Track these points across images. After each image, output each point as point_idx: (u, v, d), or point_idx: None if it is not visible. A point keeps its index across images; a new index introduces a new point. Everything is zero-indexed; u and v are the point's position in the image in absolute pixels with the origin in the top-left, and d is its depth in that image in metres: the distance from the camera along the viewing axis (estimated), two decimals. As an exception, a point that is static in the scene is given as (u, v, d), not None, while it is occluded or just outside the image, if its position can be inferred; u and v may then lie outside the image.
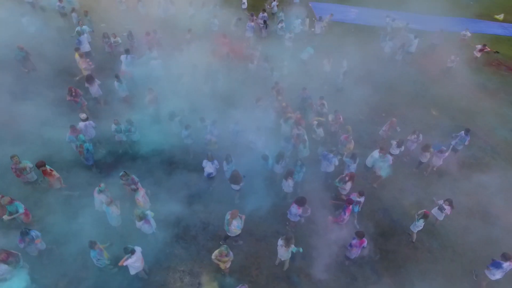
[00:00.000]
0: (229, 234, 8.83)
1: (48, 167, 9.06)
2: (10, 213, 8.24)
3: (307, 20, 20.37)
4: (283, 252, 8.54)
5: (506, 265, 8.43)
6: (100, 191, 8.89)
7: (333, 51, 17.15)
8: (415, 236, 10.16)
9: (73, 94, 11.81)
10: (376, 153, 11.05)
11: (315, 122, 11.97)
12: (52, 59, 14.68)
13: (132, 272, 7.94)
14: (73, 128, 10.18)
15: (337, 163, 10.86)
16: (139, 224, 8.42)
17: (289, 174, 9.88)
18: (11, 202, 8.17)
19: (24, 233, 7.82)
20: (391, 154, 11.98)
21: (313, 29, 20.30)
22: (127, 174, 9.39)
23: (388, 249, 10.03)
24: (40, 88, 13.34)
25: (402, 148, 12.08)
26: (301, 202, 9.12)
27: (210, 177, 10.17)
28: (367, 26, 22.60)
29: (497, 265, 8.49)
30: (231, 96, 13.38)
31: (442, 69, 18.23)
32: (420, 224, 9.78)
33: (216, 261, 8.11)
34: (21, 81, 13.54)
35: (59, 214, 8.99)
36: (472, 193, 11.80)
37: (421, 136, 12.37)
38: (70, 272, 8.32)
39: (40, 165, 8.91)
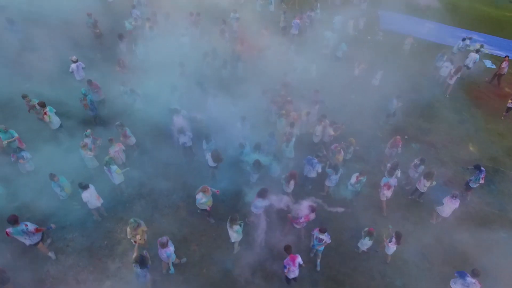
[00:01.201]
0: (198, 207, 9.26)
1: (47, 109, 10.47)
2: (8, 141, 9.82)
3: (351, 22, 19.37)
4: (231, 233, 8.63)
5: (469, 280, 7.98)
6: (86, 136, 10.09)
7: (376, 60, 16.11)
8: (360, 250, 9.53)
9: (121, 65, 13.16)
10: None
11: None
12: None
13: (91, 206, 8.94)
14: (89, 81, 11.67)
15: (320, 170, 10.37)
16: (105, 169, 9.38)
17: (256, 165, 9.80)
18: (6, 129, 9.79)
19: (16, 151, 9.40)
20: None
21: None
22: (122, 125, 10.48)
23: (342, 272, 9.35)
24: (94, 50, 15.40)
25: (399, 172, 10.89)
26: (262, 194, 8.99)
27: (185, 146, 10.72)
28: (437, 44, 20.48)
29: (462, 275, 8.11)
30: (242, 84, 13.60)
31: (498, 107, 15.77)
32: (366, 242, 9.09)
33: (134, 239, 8.25)
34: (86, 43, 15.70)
35: (50, 147, 10.41)
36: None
37: (422, 166, 11.03)
38: (37, 199, 9.45)
39: (41, 104, 10.43)
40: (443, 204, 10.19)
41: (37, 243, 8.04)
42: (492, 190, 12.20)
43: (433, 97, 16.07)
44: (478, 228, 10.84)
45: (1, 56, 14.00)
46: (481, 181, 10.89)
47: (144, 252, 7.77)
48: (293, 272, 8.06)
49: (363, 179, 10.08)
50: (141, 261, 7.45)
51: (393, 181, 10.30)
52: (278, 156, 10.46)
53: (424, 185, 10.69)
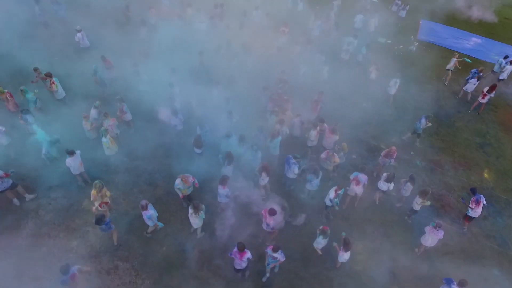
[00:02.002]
0: None
1: (54, 79, 11.47)
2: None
3: (373, 21, 18.56)
4: (194, 220, 8.87)
5: None
6: (94, 107, 10.96)
7: (400, 70, 15.27)
8: (319, 251, 9.28)
9: (142, 52, 13.90)
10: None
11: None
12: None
13: (73, 172, 9.72)
14: (102, 57, 12.60)
15: (296, 171, 10.17)
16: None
17: (228, 157, 9.88)
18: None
19: (24, 112, 10.51)
20: (378, 189, 10.51)
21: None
22: (121, 100, 11.20)
23: (301, 276, 9.12)
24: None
25: (392, 186, 10.31)
26: (222, 181, 9.12)
27: (176, 129, 11.16)
28: (479, 61, 18.83)
29: (448, 282, 8.04)
30: (247, 78, 13.67)
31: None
32: (320, 241, 8.86)
33: (98, 202, 8.79)
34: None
35: (55, 115, 11.43)
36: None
37: (409, 184, 10.29)
38: (33, 159, 10.44)
39: (47, 75, 11.45)
40: (425, 233, 9.44)
41: (4, 190, 8.99)
42: (497, 223, 11.03)
43: (456, 114, 14.86)
44: (467, 260, 9.91)
45: (41, 32, 15.50)
46: (471, 205, 9.88)
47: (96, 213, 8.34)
48: (239, 265, 8.07)
49: (341, 192, 9.65)
50: (97, 220, 8.08)
51: (363, 177, 9.96)
52: (260, 151, 10.41)
53: (416, 203, 9.99)
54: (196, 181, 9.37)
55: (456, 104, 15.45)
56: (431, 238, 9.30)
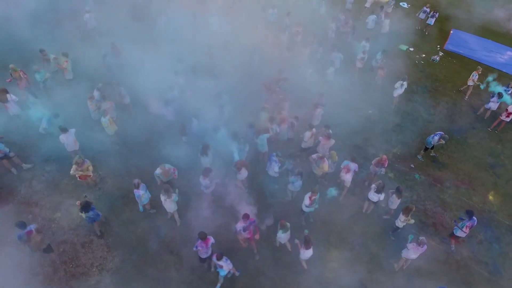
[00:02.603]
0: None
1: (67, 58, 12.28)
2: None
3: (387, 21, 17.82)
4: (168, 204, 9.11)
5: None
6: (97, 89, 11.57)
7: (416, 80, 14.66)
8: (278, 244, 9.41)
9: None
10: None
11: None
12: None
13: (68, 149, 10.31)
14: (112, 44, 13.24)
15: (276, 169, 10.09)
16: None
17: (203, 149, 9.96)
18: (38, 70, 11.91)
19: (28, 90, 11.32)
20: (369, 200, 10.17)
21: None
22: (118, 84, 11.76)
23: (268, 275, 9.06)
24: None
25: (382, 196, 9.92)
26: (204, 172, 9.27)
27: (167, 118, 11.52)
28: (510, 77, 17.53)
29: None
30: (250, 76, 13.71)
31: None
32: (280, 235, 8.76)
33: (78, 174, 9.30)
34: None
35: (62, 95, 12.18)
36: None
37: (394, 197, 9.83)
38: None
39: (64, 54, 12.22)
40: (408, 249, 8.97)
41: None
42: (492, 249, 10.27)
43: (470, 131, 13.94)
44: (450, 284, 9.31)
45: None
46: (465, 230, 9.28)
47: (85, 195, 8.74)
48: (206, 253, 8.18)
49: (316, 197, 9.42)
50: (84, 206, 8.36)
51: (353, 165, 10.07)
52: (248, 145, 10.44)
53: (400, 220, 9.55)
54: (176, 173, 9.59)
55: (472, 119, 14.49)
56: (414, 253, 8.87)
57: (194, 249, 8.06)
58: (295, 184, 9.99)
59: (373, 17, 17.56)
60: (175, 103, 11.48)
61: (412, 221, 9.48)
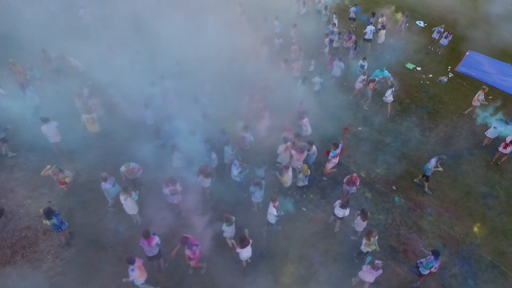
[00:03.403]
0: None
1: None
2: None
3: (383, 32, 17.50)
4: (128, 204, 9.26)
5: None
6: (87, 86, 12.26)
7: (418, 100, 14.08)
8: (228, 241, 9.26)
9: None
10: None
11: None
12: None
13: (50, 140, 10.90)
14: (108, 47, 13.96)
15: (235, 173, 10.04)
16: None
17: (173, 147, 10.16)
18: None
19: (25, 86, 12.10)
20: (334, 215, 9.85)
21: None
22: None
23: (215, 282, 8.96)
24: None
25: (347, 212, 9.56)
26: (166, 181, 9.28)
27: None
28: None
29: None
30: (240, 84, 13.82)
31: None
32: (224, 228, 8.88)
33: (56, 178, 9.58)
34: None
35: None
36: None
37: (359, 218, 9.39)
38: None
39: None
40: (363, 270, 8.53)
41: None
42: (466, 285, 9.49)
43: (466, 157, 13.09)
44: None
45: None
46: (433, 270, 8.60)
47: (49, 201, 9.01)
48: (150, 251, 8.24)
49: (279, 203, 9.25)
50: (47, 212, 8.40)
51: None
52: (214, 153, 10.50)
53: (363, 244, 9.10)
54: (140, 172, 9.82)
55: (471, 145, 13.61)
56: (368, 276, 8.43)
57: (140, 243, 8.15)
58: (255, 194, 9.84)
59: (371, 27, 17.30)
60: (154, 108, 11.76)
61: (374, 246, 8.93)
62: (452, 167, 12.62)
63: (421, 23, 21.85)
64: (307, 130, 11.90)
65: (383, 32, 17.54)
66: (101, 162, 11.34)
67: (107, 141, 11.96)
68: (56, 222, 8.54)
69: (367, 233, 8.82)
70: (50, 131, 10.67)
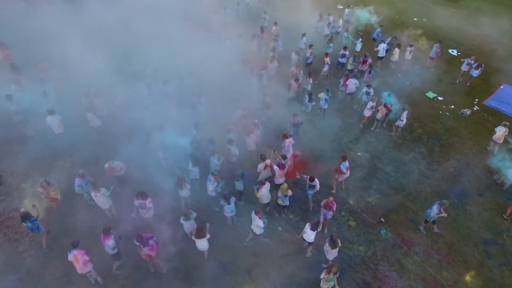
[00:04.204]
0: None
1: None
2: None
3: (397, 50, 16.92)
4: (99, 199, 9.57)
5: None
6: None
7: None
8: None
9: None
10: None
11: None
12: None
13: (54, 131, 11.74)
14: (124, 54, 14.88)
15: (211, 188, 10.00)
16: None
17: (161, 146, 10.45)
18: None
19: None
20: (303, 239, 9.51)
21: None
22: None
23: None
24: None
25: (312, 236, 9.15)
26: (137, 194, 9.25)
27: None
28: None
29: None
30: (244, 95, 13.96)
31: None
32: (182, 222, 9.18)
33: (44, 195, 9.62)
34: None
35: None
36: None
37: (327, 245, 8.91)
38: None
39: None
40: None
41: None
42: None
43: (474, 197, 11.97)
44: None
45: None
46: None
47: (33, 205, 9.31)
48: (109, 248, 8.47)
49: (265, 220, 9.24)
50: (22, 217, 8.54)
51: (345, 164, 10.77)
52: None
53: (322, 279, 8.53)
54: (122, 172, 10.21)
55: (482, 185, 12.43)
56: None
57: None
58: (225, 208, 9.78)
59: (383, 45, 16.97)
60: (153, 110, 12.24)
61: (332, 284, 8.36)
62: (454, 205, 11.59)
63: (454, 52, 20.74)
64: (289, 150, 11.57)
65: (397, 50, 17.19)
66: (93, 158, 11.76)
67: (106, 138, 12.47)
68: (31, 226, 8.70)
69: (328, 268, 8.30)
70: (54, 123, 11.50)
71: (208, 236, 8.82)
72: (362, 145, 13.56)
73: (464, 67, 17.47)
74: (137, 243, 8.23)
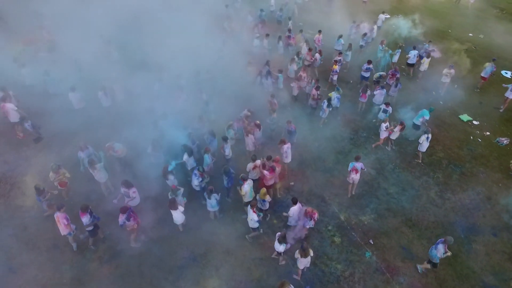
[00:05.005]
0: None
1: None
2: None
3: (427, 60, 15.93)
4: (97, 174, 10.31)
5: None
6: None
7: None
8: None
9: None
10: None
11: None
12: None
13: (75, 106, 12.98)
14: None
15: (196, 182, 10.21)
16: None
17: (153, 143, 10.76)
18: None
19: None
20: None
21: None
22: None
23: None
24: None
25: (282, 248, 8.91)
26: (123, 182, 9.67)
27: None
28: None
29: None
30: (255, 95, 14.05)
31: None
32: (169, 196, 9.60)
33: (56, 181, 10.14)
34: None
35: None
36: None
37: (297, 253, 8.61)
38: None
39: None
40: None
41: None
42: None
43: (486, 236, 10.73)
44: None
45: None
46: None
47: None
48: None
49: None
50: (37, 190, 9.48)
51: (359, 165, 10.83)
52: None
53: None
54: (119, 154, 10.88)
55: (500, 224, 11.06)
56: None
57: None
58: (207, 202, 9.94)
59: (414, 52, 16.34)
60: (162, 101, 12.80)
61: None
62: (459, 240, 10.49)
63: (508, 73, 18.64)
64: (287, 157, 11.38)
65: (426, 60, 16.29)
66: (106, 136, 12.50)
67: (120, 119, 13.07)
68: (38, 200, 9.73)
69: (279, 285, 7.76)
70: (76, 98, 12.78)
71: (181, 209, 9.35)
72: (370, 160, 12.84)
73: (508, 94, 15.59)
74: (123, 216, 8.83)
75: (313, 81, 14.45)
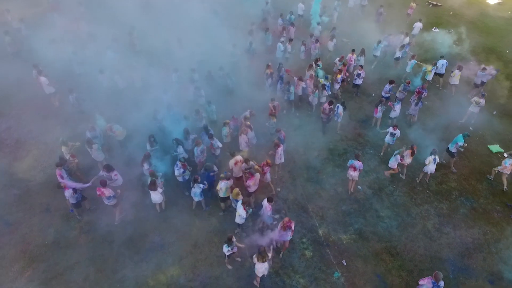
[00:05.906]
0: None
1: None
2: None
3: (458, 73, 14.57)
4: (95, 153, 11.21)
5: None
6: None
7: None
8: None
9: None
10: None
11: None
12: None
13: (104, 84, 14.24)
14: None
15: (177, 173, 10.53)
16: None
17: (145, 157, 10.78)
18: None
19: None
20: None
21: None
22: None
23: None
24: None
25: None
26: (104, 166, 10.34)
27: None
28: None
29: None
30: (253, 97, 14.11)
31: None
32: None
33: (70, 152, 11.01)
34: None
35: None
36: None
37: (254, 257, 8.48)
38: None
39: None
40: None
41: None
42: None
43: (479, 281, 9.58)
44: None
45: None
46: None
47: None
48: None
49: (250, 211, 9.62)
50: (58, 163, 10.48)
51: (357, 163, 10.81)
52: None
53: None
54: (121, 136, 11.67)
55: (502, 272, 9.77)
56: None
57: None
58: (192, 191, 10.21)
59: (443, 61, 15.55)
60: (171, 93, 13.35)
61: None
62: (446, 280, 9.39)
63: None
64: (281, 159, 11.25)
65: (457, 72, 15.20)
66: (118, 116, 13.28)
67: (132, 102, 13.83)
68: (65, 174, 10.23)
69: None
70: (104, 79, 14.08)
71: (160, 190, 9.93)
72: (369, 179, 12.13)
73: None
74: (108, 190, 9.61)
75: (317, 91, 14.25)
